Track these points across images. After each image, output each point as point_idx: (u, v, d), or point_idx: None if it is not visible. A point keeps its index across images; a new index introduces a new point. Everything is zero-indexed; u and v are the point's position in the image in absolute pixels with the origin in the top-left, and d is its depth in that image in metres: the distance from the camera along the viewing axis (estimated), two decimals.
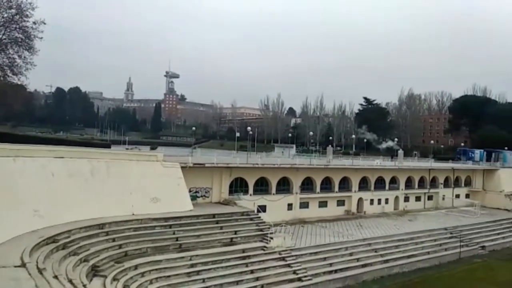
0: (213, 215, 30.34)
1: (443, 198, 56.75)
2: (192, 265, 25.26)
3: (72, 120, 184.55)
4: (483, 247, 40.67)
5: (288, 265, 28.70)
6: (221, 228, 29.46)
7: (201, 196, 35.00)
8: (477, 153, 72.77)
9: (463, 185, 60.75)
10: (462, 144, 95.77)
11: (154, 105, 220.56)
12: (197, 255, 25.97)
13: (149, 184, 28.51)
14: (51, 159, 24.53)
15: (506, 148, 75.29)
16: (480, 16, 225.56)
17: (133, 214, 26.73)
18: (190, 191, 32.88)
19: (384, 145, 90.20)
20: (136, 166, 28.98)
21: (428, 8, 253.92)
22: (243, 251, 28.24)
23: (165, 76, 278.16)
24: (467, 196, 60.21)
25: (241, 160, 38.32)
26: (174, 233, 26.92)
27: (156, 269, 23.67)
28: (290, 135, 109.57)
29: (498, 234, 45.14)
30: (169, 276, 23.69)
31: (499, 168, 64.08)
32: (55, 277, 15.05)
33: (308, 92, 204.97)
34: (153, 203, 28.09)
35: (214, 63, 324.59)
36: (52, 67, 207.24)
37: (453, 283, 30.36)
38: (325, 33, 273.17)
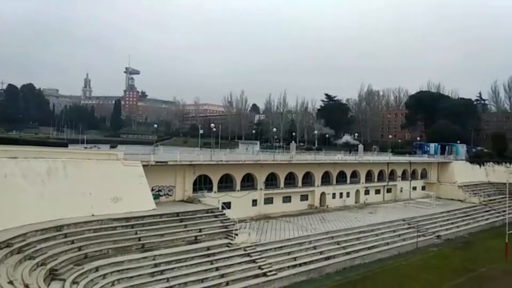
0: (177, 214, 30.00)
1: (401, 191, 58.98)
2: (155, 265, 24.84)
3: (26, 119, 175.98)
4: (438, 237, 42.64)
5: (253, 261, 28.84)
6: (185, 226, 29.18)
7: (164, 195, 34.50)
8: (432, 146, 76.18)
9: (419, 177, 63.42)
10: (418, 138, 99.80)
11: (113, 102, 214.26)
12: (160, 255, 25.59)
13: (109, 184, 27.77)
14: (3, 159, 23.32)
15: (458, 141, 79.27)
16: (433, 14, 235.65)
17: (93, 215, 25.97)
18: (152, 189, 32.33)
19: (343, 140, 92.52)
20: (95, 165, 28.11)
21: (383, 7, 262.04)
22: (208, 248, 28.10)
23: (124, 72, 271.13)
24: (423, 188, 62.91)
25: (205, 157, 38.04)
26: (136, 233, 26.39)
27: (118, 271, 23.11)
28: (254, 131, 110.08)
29: (452, 223, 47.47)
30: (131, 277, 23.19)
31: (452, 161, 67.38)
32: (10, 282, 14.38)
33: (271, 89, 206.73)
34: (113, 203, 27.40)
35: (176, 59, 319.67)
36: (3, 63, 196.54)
37: (410, 272, 31.61)
38: (287, 31, 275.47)
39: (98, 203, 26.57)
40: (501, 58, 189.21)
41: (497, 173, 71.83)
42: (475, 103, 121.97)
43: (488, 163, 73.72)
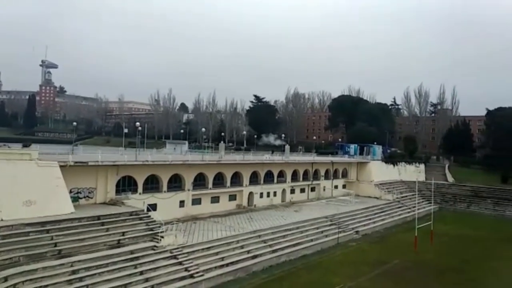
0: (98, 217, 28.43)
1: (324, 189, 61.82)
2: (73, 272, 23.31)
3: None
4: (357, 232, 45.37)
5: (180, 263, 28.32)
6: (107, 230, 27.77)
7: (84, 197, 32.51)
8: (352, 147, 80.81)
9: (340, 176, 66.98)
10: (340, 139, 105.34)
11: (27, 97, 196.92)
12: (79, 261, 24.08)
13: (21, 186, 25.50)
14: None
15: (375, 143, 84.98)
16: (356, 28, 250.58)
17: (1, 220, 23.67)
18: (71, 192, 30.34)
19: (270, 140, 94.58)
20: (5, 166, 25.61)
21: (310, 10, 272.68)
22: (132, 252, 27.04)
23: (41, 65, 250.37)
24: (344, 186, 66.58)
25: (130, 157, 36.51)
26: (52, 239, 24.55)
27: (31, 279, 21.35)
28: (182, 131, 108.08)
29: (370, 219, 50.80)
30: (46, 286, 21.54)
31: (370, 161, 72.14)
32: None
33: (200, 88, 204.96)
34: (26, 206, 25.23)
35: (98, 54, 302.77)
36: None
37: (332, 266, 33.25)
38: (219, 33, 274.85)
39: (7, 207, 24.27)
40: (413, 66, 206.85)
41: (408, 172, 78.45)
42: (390, 107, 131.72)
43: (400, 163, 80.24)
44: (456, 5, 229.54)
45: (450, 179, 79.38)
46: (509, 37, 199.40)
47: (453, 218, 59.26)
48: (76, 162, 30.75)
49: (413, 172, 78.30)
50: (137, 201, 34.78)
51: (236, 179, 47.29)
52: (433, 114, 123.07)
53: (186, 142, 67.55)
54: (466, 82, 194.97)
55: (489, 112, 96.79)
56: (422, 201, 64.16)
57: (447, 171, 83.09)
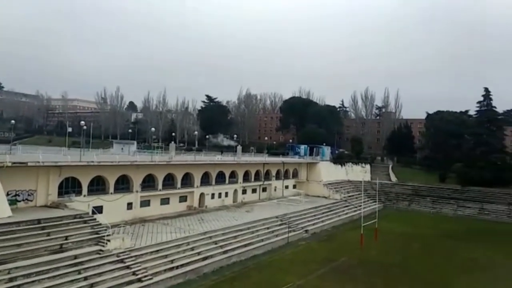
0: (38, 221, 26.85)
1: (275, 189, 62.61)
2: (10, 279, 21.85)
3: None
4: (306, 231, 46.35)
5: (127, 267, 27.42)
6: (48, 234, 26.32)
7: (23, 200, 30.55)
8: (302, 148, 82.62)
9: (291, 177, 68.17)
10: (291, 140, 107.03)
11: None
12: (17, 267, 22.61)
13: None
14: None
15: (324, 144, 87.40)
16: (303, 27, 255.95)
17: None
18: (8, 194, 28.42)
19: (223, 141, 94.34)
20: None
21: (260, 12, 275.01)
22: (75, 257, 25.80)
23: None
24: (295, 186, 67.85)
25: (74, 158, 34.78)
26: None
27: None
28: (130, 130, 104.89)
29: (318, 218, 52.11)
30: None
31: (319, 162, 74.08)
32: None
33: (150, 87, 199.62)
34: None
35: (39, 47, 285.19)
36: None
37: (282, 265, 33.71)
38: (169, 31, 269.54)
39: None
40: (360, 70, 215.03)
41: (355, 172, 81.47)
42: (338, 110, 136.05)
43: (348, 164, 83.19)
44: (399, 13, 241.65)
45: (394, 178, 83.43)
46: (444, 42, 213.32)
47: (396, 216, 62.29)
48: (14, 163, 28.78)
49: (360, 172, 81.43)
50: (81, 203, 33.25)
51: (187, 180, 46.62)
52: (378, 117, 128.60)
53: (135, 142, 65.62)
54: (409, 85, 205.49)
55: (428, 116, 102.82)
56: (368, 200, 66.81)
57: (390, 171, 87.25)
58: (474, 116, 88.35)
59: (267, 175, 61.80)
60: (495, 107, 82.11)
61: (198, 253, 32.46)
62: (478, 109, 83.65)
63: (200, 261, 31.60)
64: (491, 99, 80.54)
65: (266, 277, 30.51)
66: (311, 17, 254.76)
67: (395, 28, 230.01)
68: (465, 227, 56.22)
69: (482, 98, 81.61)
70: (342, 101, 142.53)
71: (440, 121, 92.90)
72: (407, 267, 35.19)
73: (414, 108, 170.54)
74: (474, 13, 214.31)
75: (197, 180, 47.46)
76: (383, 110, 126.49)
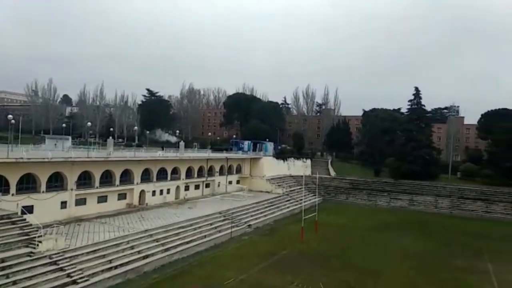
0: None
1: (219, 185, 62.51)
2: None
3: None
4: (249, 226, 46.84)
5: (61, 269, 25.99)
6: None
7: None
8: (246, 144, 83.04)
9: (235, 172, 68.40)
10: (234, 136, 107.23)
11: None
12: None
13: None
14: None
15: (267, 139, 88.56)
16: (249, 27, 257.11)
17: None
18: None
19: (165, 137, 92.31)
20: None
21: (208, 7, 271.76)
22: (3, 260, 24.02)
23: None
24: (238, 182, 68.18)
25: (0, 154, 32.25)
26: None
27: None
28: (64, 125, 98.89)
29: (261, 213, 52.87)
30: None
31: (262, 157, 75.00)
32: None
33: (86, 80, 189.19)
34: None
35: None
36: None
37: (225, 260, 33.80)
38: (108, 20, 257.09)
39: None
40: (302, 68, 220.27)
41: (296, 167, 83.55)
42: (281, 106, 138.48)
43: (290, 159, 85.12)
44: (341, 13, 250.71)
45: (333, 173, 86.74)
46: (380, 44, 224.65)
47: (335, 208, 64.83)
48: None
49: (301, 167, 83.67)
50: (9, 203, 30.95)
51: (127, 177, 45.07)
52: (318, 113, 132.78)
53: (70, 137, 61.86)
54: (347, 83, 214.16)
55: (364, 113, 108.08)
56: (308, 194, 68.95)
57: (330, 166, 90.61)
58: (405, 113, 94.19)
59: (211, 171, 61.49)
60: (424, 105, 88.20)
61: (138, 252, 31.58)
62: (409, 107, 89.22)
63: (141, 260, 30.77)
64: (420, 98, 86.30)
65: (208, 273, 30.42)
66: (247, 15, 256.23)
67: (332, 28, 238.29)
68: (398, 217, 59.90)
69: (413, 97, 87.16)
70: (285, 98, 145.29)
71: (375, 118, 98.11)
72: (345, 257, 36.80)
73: (352, 106, 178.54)
74: (406, 14, 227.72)
75: (137, 177, 46.05)
76: (323, 107, 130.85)
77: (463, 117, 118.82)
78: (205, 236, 39.04)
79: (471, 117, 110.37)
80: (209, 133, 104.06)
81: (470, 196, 70.67)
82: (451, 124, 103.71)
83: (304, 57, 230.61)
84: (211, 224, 42.29)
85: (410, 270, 33.60)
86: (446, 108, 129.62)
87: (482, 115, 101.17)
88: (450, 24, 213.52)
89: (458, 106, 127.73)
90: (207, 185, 60.57)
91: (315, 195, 64.49)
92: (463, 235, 49.40)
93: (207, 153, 65.38)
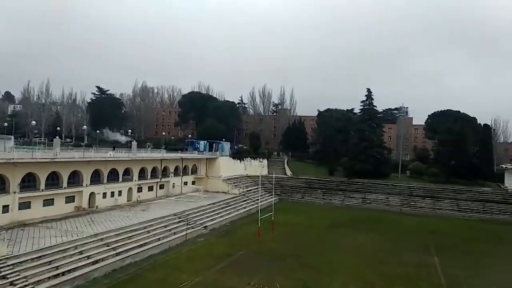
0: None
1: (173, 186, 61.13)
2: None
3: None
4: (205, 227, 46.09)
5: (3, 277, 24.18)
6: None
7: None
8: (202, 144, 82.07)
9: (190, 173, 67.20)
10: (190, 135, 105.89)
11: None
12: None
13: None
14: None
15: (223, 139, 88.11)
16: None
17: None
18: None
19: (116, 137, 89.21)
20: None
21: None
22: None
23: None
24: (194, 182, 67.06)
25: None
26: None
27: None
28: (6, 124, 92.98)
29: (217, 214, 52.24)
30: None
31: (218, 157, 74.34)
32: None
33: (30, 76, 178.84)
34: None
35: None
36: None
37: (180, 263, 32.92)
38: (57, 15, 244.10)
39: None
40: (259, 67, 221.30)
41: (253, 167, 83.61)
42: (237, 105, 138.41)
43: (246, 159, 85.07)
44: (298, 13, 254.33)
45: (289, 172, 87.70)
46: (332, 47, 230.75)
47: (291, 208, 65.43)
48: None
49: (258, 167, 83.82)
50: None
51: (75, 179, 42.85)
52: (275, 113, 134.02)
53: (12, 137, 58.01)
54: (303, 84, 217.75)
55: (319, 113, 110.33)
56: (265, 194, 69.09)
57: (286, 165, 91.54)
58: (358, 114, 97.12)
59: (165, 172, 59.98)
60: (376, 106, 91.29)
61: (88, 257, 29.98)
62: (361, 107, 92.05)
63: (90, 265, 29.24)
64: (372, 99, 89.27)
65: (162, 276, 29.48)
66: (205, 9, 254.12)
67: (288, 29, 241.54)
68: (351, 215, 61.44)
69: (365, 98, 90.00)
70: (241, 97, 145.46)
71: (329, 118, 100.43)
72: (301, 256, 37.05)
73: (308, 106, 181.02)
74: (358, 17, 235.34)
75: (86, 178, 43.90)
76: (280, 107, 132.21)
77: (411, 118, 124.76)
78: (159, 239, 37.88)
79: (420, 118, 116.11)
80: (163, 133, 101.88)
81: (419, 193, 73.99)
82: (401, 124, 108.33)
83: (260, 56, 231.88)
84: (165, 226, 41.13)
85: (363, 267, 34.39)
86: (396, 109, 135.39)
87: (429, 115, 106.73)
88: (401, 26, 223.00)
89: (407, 107, 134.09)
90: (161, 187, 59.03)
91: (271, 195, 64.73)
92: (412, 231, 51.52)
93: (161, 153, 63.80)
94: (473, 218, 63.64)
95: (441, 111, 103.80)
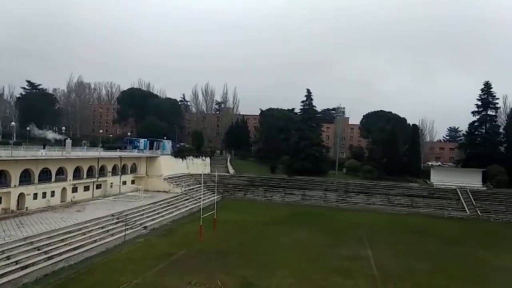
0: None
1: (111, 186, 58.93)
2: None
3: None
4: (145, 227, 44.99)
5: None
6: None
7: None
8: (142, 142, 79.91)
9: (129, 172, 65.16)
10: (129, 133, 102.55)
11: None
12: None
13: None
14: None
15: (165, 137, 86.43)
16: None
17: None
18: None
19: (49, 134, 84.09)
20: None
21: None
22: None
23: None
24: (133, 182, 65.13)
25: None
26: None
27: None
28: None
29: (158, 213, 51.22)
30: None
31: (159, 156, 72.83)
32: None
33: None
34: None
35: None
36: None
37: (118, 265, 31.89)
38: None
39: None
40: (202, 65, 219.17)
41: (195, 165, 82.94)
42: (179, 103, 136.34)
43: (189, 157, 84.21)
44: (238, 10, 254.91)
45: (231, 170, 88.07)
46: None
47: (233, 206, 65.79)
48: None
49: (200, 165, 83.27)
50: None
51: (2, 179, 39.94)
52: (218, 112, 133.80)
53: None
54: (246, 83, 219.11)
55: (262, 112, 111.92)
56: (207, 192, 68.94)
57: (228, 163, 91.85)
58: (299, 113, 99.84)
59: (102, 171, 57.63)
60: (315, 106, 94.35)
61: (16, 262, 28.12)
62: (302, 107, 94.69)
63: (19, 271, 27.43)
64: (312, 99, 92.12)
65: (99, 279, 28.40)
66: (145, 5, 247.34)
67: (233, 30, 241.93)
68: (291, 212, 63.09)
69: (305, 98, 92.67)
70: (184, 95, 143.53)
71: (271, 117, 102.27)
72: (242, 253, 37.49)
73: (251, 105, 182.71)
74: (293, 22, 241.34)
75: (14, 178, 41.06)
76: (222, 105, 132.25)
77: (348, 118, 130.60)
78: (95, 241, 36.39)
79: (355, 118, 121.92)
80: (101, 130, 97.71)
81: (354, 190, 77.65)
82: (338, 124, 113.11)
83: (203, 54, 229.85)
84: (102, 227, 39.61)
85: (302, 261, 35.56)
86: (334, 109, 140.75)
87: (363, 116, 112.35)
88: (338, 29, 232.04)
89: (344, 108, 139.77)
90: (98, 186, 56.65)
91: (214, 193, 64.75)
92: (348, 226, 54.04)
93: (98, 152, 61.25)
94: (402, 212, 68.07)
95: (374, 111, 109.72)
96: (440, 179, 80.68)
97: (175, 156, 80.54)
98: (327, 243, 43.30)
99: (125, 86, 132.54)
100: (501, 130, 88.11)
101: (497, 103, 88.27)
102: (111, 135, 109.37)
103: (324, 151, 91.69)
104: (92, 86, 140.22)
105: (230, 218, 53.99)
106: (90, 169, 54.72)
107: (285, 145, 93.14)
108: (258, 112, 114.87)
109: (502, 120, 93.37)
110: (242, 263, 34.14)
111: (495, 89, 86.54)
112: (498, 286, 31.98)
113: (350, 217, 60.90)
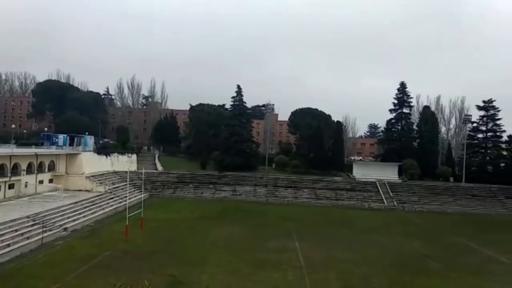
0: None
1: (26, 185, 54.37)
2: None
3: None
4: (65, 229, 42.10)
5: None
6: None
7: None
8: (61, 138, 74.49)
9: (47, 170, 60.48)
10: (46, 129, 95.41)
11: None
12: None
13: None
14: None
15: (87, 133, 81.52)
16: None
17: None
18: None
19: None
20: None
21: None
22: None
23: None
24: (51, 181, 60.67)
25: None
26: None
27: None
28: None
29: (80, 214, 48.22)
30: None
31: (81, 152, 68.59)
32: None
33: None
34: None
35: None
36: None
37: (34, 270, 29.44)
38: None
39: None
40: (126, 57, 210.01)
41: (121, 162, 79.47)
42: (103, 97, 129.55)
43: (113, 154, 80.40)
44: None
45: (160, 167, 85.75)
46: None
47: (161, 203, 64.21)
48: None
49: (126, 163, 79.90)
50: None
51: None
52: (145, 106, 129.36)
53: None
54: (174, 78, 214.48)
55: (191, 107, 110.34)
56: (134, 191, 66.40)
57: (157, 160, 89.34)
58: (229, 109, 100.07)
59: (15, 170, 52.86)
60: (245, 102, 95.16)
61: None
62: (232, 103, 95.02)
63: None
64: (242, 95, 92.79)
65: (13, 286, 26.01)
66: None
67: (159, 20, 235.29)
68: (221, 207, 63.16)
69: (235, 94, 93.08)
70: (108, 88, 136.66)
71: (201, 113, 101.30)
72: (171, 251, 36.66)
73: (180, 100, 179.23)
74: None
75: None
76: (150, 99, 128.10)
77: (277, 114, 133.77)
78: (8, 245, 33.33)
79: (284, 114, 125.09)
80: (13, 125, 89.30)
81: (282, 184, 79.76)
82: (268, 120, 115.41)
83: (128, 45, 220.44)
84: (16, 230, 36.33)
85: (231, 256, 35.72)
86: (263, 105, 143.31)
87: (292, 112, 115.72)
88: (267, 25, 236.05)
89: (273, 104, 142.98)
90: (11, 186, 51.88)
91: (141, 191, 62.45)
92: (276, 220, 55.40)
93: (10, 149, 56.11)
94: (327, 205, 71.40)
95: (302, 108, 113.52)
96: (361, 172, 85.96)
97: (99, 153, 76.43)
98: (257, 237, 43.96)
99: (41, 78, 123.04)
100: (414, 127, 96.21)
101: (411, 102, 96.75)
102: (25, 131, 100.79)
103: (254, 147, 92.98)
104: (3, 77, 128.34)
105: (158, 216, 52.61)
106: (1, 168, 49.97)
107: (216, 141, 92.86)
108: (188, 107, 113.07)
109: (415, 117, 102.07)
110: (170, 261, 33.39)
111: (409, 89, 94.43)
112: (414, 271, 34.66)
113: (279, 211, 62.45)
